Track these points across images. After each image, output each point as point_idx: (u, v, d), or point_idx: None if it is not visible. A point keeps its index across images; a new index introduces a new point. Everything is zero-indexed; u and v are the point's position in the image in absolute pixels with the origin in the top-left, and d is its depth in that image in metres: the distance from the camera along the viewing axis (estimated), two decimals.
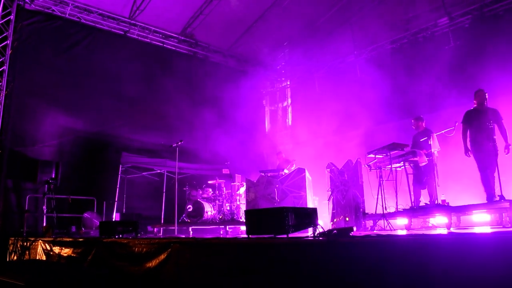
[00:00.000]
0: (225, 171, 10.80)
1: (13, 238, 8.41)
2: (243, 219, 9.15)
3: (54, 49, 10.56)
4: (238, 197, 10.21)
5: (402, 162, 7.42)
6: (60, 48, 10.67)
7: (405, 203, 7.32)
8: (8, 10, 9.73)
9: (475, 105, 7.04)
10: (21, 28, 9.94)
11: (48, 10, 10.57)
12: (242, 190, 10.11)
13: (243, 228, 8.65)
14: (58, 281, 4.43)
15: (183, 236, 7.57)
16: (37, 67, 10.17)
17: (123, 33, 11.89)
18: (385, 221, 6.79)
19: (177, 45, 13.04)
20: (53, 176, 9.43)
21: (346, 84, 12.11)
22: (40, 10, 10.45)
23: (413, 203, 7.32)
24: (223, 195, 10.26)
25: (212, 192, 10.35)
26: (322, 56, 12.96)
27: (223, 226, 9.48)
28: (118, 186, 10.40)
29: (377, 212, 7.25)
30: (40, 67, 10.22)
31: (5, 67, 9.58)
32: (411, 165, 7.61)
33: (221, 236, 8.57)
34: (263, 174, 9.23)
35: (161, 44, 12.67)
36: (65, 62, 10.65)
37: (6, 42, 9.63)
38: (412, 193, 7.43)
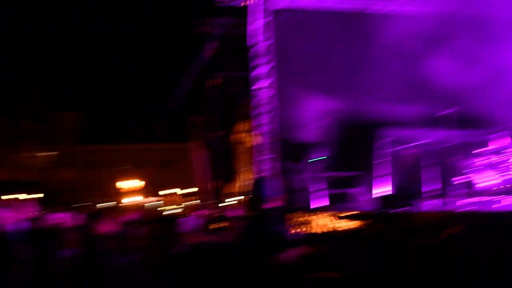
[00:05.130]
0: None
1: (294, 213, 9.26)
2: None
3: (303, 40, 11.16)
4: None
5: None
6: (308, 39, 11.20)
7: None
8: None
9: None
10: (279, 25, 10.93)
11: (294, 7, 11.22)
12: None
13: None
14: None
15: (468, 209, 6.74)
16: (293, 59, 11.01)
17: None
18: None
19: None
20: (319, 156, 10.04)
21: None
22: (288, 8, 11.21)
23: None
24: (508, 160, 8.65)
25: (494, 158, 8.87)
26: None
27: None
28: (381, 161, 10.21)
29: None
30: (295, 59, 11.02)
31: (273, 63, 10.74)
32: None
33: None
34: None
35: None
36: (314, 50, 11.12)
37: (269, 42, 10.83)
38: None
